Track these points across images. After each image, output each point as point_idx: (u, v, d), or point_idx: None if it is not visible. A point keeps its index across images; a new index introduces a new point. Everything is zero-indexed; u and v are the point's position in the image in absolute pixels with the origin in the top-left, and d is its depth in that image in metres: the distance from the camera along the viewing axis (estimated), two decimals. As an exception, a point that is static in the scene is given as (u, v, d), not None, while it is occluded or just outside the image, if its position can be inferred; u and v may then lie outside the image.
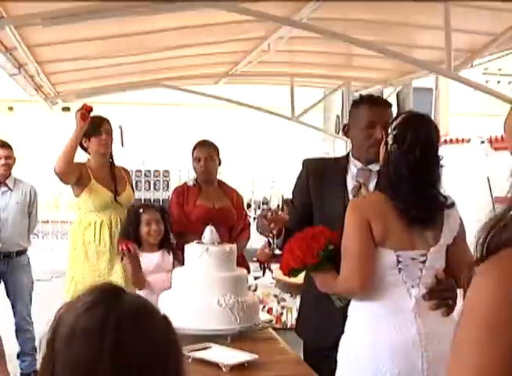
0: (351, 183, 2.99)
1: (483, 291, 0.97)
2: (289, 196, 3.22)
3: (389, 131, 2.56)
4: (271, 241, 2.95)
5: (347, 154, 3.12)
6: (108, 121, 4.43)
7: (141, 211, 4.00)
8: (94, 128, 4.27)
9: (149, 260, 3.87)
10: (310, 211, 3.06)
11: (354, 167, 3.01)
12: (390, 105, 3.12)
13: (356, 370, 2.50)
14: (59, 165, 4.13)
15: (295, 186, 3.19)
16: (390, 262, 2.49)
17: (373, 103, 3.00)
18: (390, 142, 2.54)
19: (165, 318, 1.27)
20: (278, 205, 2.95)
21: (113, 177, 4.45)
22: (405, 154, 2.49)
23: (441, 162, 2.57)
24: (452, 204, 2.60)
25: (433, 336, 2.45)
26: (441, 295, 2.54)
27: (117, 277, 4.24)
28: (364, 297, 2.55)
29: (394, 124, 2.56)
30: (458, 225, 2.61)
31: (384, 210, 2.51)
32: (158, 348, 1.22)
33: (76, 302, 1.25)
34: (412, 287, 2.50)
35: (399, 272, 2.50)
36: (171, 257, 3.93)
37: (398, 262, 2.49)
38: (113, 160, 4.51)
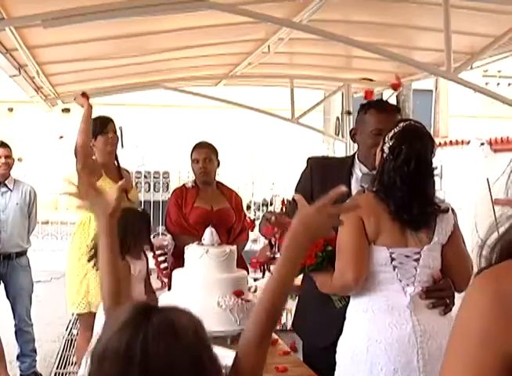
0: (355, 187, 2.99)
1: (477, 305, 0.95)
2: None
3: (386, 139, 2.60)
4: (273, 244, 2.95)
5: (353, 156, 3.12)
6: (113, 121, 4.45)
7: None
8: (100, 127, 4.30)
9: (142, 267, 3.79)
10: None
11: (359, 171, 3.02)
12: (398, 111, 3.12)
13: (354, 368, 2.53)
14: (80, 138, 4.20)
15: (298, 183, 3.20)
16: (383, 259, 2.53)
17: (380, 110, 3.00)
18: (386, 151, 2.58)
19: (196, 333, 1.30)
20: (281, 209, 2.95)
21: (121, 175, 4.46)
22: (400, 167, 2.55)
23: (435, 172, 2.64)
24: (447, 210, 2.63)
25: (428, 333, 2.48)
26: (438, 295, 2.57)
27: None
28: (360, 294, 2.58)
29: (391, 133, 2.59)
30: (452, 225, 2.64)
31: (376, 209, 2.57)
32: (186, 367, 1.26)
33: (113, 321, 1.32)
34: (408, 285, 2.55)
35: (394, 269, 2.54)
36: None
37: (392, 259, 2.54)
38: (118, 160, 4.51)
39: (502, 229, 1.00)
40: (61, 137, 15.28)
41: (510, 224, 0.99)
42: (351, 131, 3.18)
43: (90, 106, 4.31)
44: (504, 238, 0.98)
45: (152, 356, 1.22)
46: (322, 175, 3.07)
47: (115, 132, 4.42)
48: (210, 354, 1.34)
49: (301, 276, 3.01)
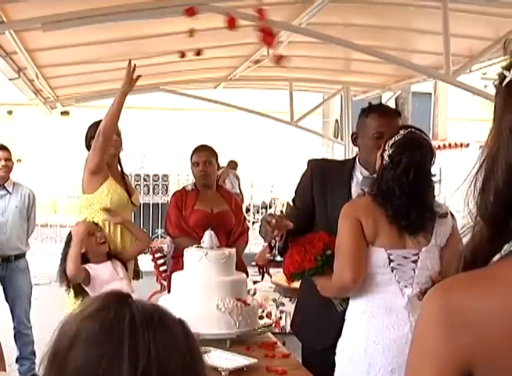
0: (355, 190, 3.00)
1: (426, 318, 0.97)
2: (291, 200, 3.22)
3: (386, 146, 2.61)
4: (273, 247, 2.95)
5: (354, 159, 3.13)
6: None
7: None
8: None
9: (104, 270, 3.91)
10: (311, 212, 3.07)
11: (360, 174, 3.03)
12: (399, 114, 3.14)
13: (352, 369, 2.55)
14: (106, 125, 4.01)
15: (298, 185, 3.20)
16: (381, 261, 2.55)
17: (382, 113, 3.01)
18: (386, 158, 2.60)
19: (181, 321, 1.12)
20: (281, 211, 2.94)
21: (124, 178, 4.44)
22: (399, 176, 2.57)
23: (434, 179, 2.65)
24: (445, 215, 2.64)
25: None
26: None
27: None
28: (358, 296, 2.60)
29: (392, 141, 2.60)
30: (450, 228, 2.65)
31: (374, 211, 2.59)
32: (177, 353, 1.06)
33: (80, 311, 1.10)
34: (406, 286, 2.57)
35: (392, 271, 2.56)
36: (119, 264, 3.95)
37: (390, 260, 2.56)
38: (121, 163, 4.48)
39: (467, 238, 1.02)
40: None
41: (472, 235, 1.00)
42: (352, 135, 3.19)
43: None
44: (467, 248, 1.00)
45: (142, 336, 1.02)
46: (322, 178, 3.08)
47: (119, 135, 4.38)
48: (199, 350, 1.12)
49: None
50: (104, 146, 4.07)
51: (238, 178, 12.28)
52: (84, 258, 3.92)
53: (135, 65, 4.05)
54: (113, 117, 4.04)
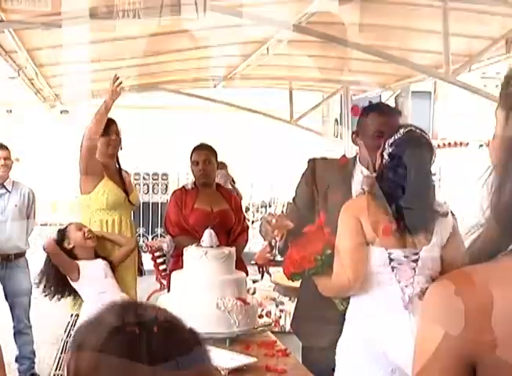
0: (356, 189, 3.00)
1: (429, 312, 0.98)
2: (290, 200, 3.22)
3: (386, 145, 2.60)
4: (273, 246, 2.95)
5: (354, 158, 3.13)
6: (116, 122, 4.41)
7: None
8: (103, 128, 4.26)
9: (95, 266, 3.96)
10: (311, 211, 3.07)
11: (360, 173, 3.03)
12: (399, 113, 3.14)
13: (353, 369, 2.53)
14: (91, 130, 4.12)
15: (299, 184, 3.21)
16: (382, 260, 2.55)
17: (381, 113, 3.01)
18: (386, 157, 2.59)
19: (191, 330, 1.16)
20: (282, 211, 2.95)
21: (122, 178, 4.44)
22: (399, 177, 2.57)
23: (434, 178, 2.66)
24: (446, 214, 2.64)
25: None
26: None
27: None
28: (358, 295, 2.59)
29: (391, 140, 2.60)
30: (451, 227, 2.66)
31: (374, 210, 2.58)
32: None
33: (95, 324, 1.11)
34: (406, 286, 2.57)
35: (392, 270, 2.55)
36: (107, 264, 4.05)
37: (391, 260, 2.56)
38: (119, 162, 4.49)
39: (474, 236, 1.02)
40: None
41: (479, 233, 1.00)
42: (352, 134, 3.19)
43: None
44: (474, 245, 1.00)
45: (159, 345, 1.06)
46: (323, 177, 3.08)
47: (117, 134, 4.38)
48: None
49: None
50: (89, 150, 4.15)
51: (227, 177, 12.33)
52: (73, 254, 3.97)
53: (120, 81, 4.18)
54: (98, 123, 4.12)
